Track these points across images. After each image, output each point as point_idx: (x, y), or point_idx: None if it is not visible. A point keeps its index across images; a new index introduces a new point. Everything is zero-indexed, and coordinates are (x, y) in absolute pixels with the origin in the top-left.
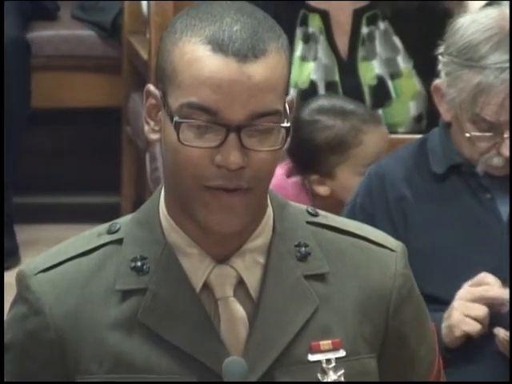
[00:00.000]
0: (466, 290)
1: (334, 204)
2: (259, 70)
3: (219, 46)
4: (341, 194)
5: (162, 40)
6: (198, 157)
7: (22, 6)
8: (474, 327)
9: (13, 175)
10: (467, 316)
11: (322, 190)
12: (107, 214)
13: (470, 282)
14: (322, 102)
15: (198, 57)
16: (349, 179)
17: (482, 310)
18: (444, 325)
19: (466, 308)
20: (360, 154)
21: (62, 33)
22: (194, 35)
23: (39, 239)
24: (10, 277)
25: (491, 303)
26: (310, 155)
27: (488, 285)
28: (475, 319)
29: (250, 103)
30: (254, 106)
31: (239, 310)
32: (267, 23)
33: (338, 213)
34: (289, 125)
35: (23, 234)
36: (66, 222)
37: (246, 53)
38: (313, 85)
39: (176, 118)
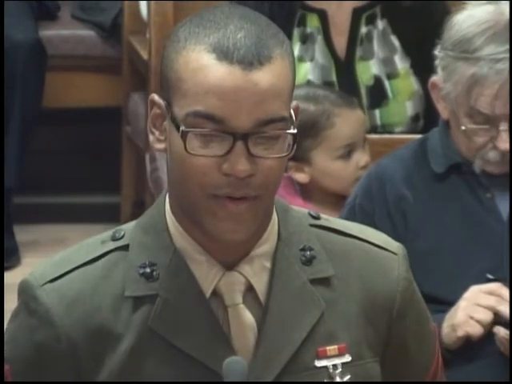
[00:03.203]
0: (477, 294)
1: (318, 191)
2: (265, 76)
3: (224, 54)
4: (321, 180)
5: (165, 49)
6: (204, 165)
7: (32, 7)
8: (476, 330)
9: (21, 175)
10: (472, 318)
11: (301, 177)
12: (107, 214)
13: (482, 287)
14: (296, 90)
15: (203, 65)
16: (325, 164)
17: (487, 315)
18: (446, 324)
19: (473, 310)
20: (333, 137)
21: (62, 33)
22: (198, 43)
23: (39, 239)
24: (10, 277)
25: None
26: None
27: (501, 297)
28: (479, 322)
29: (257, 110)
30: (260, 113)
31: (248, 317)
32: (270, 29)
33: (325, 200)
34: (295, 131)
35: (23, 234)
36: (66, 221)
37: (252, 60)
38: None
39: (182, 128)
